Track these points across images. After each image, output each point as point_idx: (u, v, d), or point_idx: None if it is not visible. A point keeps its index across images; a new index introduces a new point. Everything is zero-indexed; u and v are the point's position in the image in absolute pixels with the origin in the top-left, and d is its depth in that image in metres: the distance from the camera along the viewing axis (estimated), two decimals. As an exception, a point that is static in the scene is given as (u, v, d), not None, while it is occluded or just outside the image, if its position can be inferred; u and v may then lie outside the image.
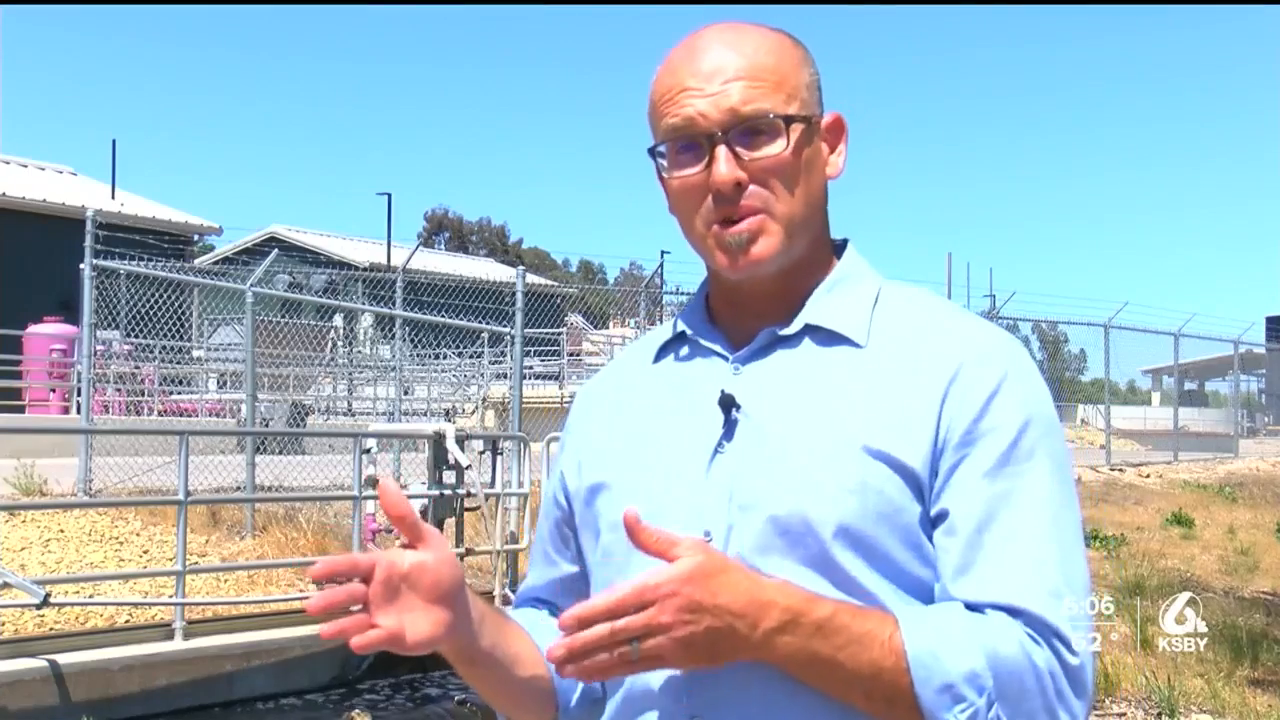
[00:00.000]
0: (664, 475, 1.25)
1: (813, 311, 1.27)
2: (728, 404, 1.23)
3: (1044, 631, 1.12)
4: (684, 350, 1.33)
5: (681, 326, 1.33)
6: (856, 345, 1.25)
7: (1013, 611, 1.13)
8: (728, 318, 1.31)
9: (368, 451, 8.78)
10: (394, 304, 16.45)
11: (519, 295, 11.34)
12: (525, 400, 11.83)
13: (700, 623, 1.08)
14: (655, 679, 1.20)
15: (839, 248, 1.34)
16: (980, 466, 1.17)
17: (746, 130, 1.22)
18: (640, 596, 1.07)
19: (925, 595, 1.18)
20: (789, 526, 1.17)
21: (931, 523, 1.18)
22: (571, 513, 1.37)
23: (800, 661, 1.11)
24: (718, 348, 1.29)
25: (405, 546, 1.17)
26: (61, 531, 9.42)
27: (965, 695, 1.09)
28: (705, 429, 1.24)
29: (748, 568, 1.13)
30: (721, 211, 1.23)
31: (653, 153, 1.27)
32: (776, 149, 1.22)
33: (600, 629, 1.07)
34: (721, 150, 1.21)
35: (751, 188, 1.22)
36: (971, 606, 1.14)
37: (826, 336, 1.26)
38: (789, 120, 1.23)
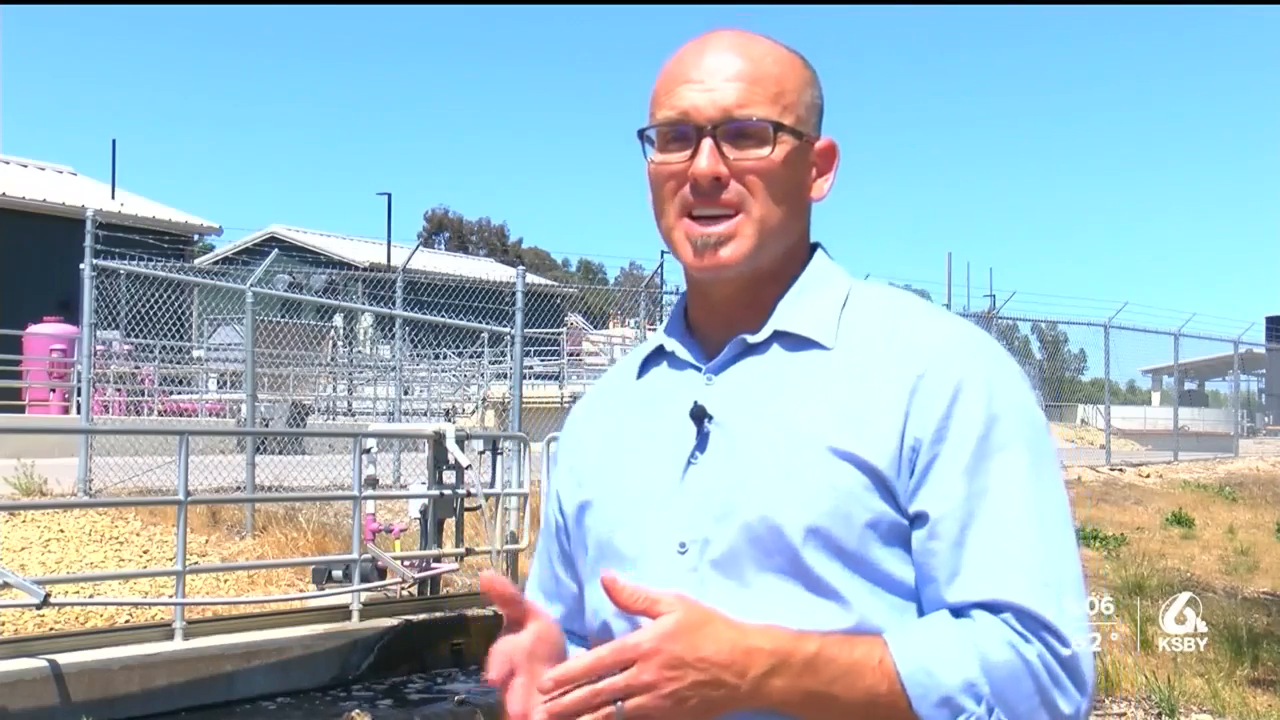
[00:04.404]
0: (640, 489, 1.26)
1: (780, 318, 1.27)
2: (699, 415, 1.24)
3: (1032, 625, 1.12)
4: (663, 364, 1.34)
5: (661, 340, 1.35)
6: (824, 348, 1.25)
7: (999, 607, 1.12)
8: (704, 328, 1.32)
9: (368, 451, 8.77)
10: (394, 304, 16.44)
11: (519, 295, 11.34)
12: (525, 400, 11.83)
13: (685, 678, 1.07)
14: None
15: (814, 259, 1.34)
16: (955, 465, 1.16)
17: (736, 130, 1.23)
18: (620, 656, 1.07)
19: (904, 593, 1.18)
20: (760, 533, 1.17)
21: (910, 523, 1.18)
22: (569, 531, 1.38)
23: (795, 702, 1.10)
24: (691, 358, 1.30)
25: (512, 625, 1.18)
26: (61, 531, 9.42)
27: (964, 705, 1.09)
28: (679, 441, 1.25)
29: (730, 618, 1.11)
30: (697, 204, 1.24)
31: (642, 136, 1.28)
32: (762, 153, 1.23)
33: (581, 692, 1.06)
34: (707, 143, 1.23)
35: (731, 184, 1.23)
36: (962, 608, 1.14)
37: (794, 341, 1.26)
38: (779, 128, 1.24)
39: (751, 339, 1.27)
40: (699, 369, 1.29)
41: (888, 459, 1.17)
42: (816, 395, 1.21)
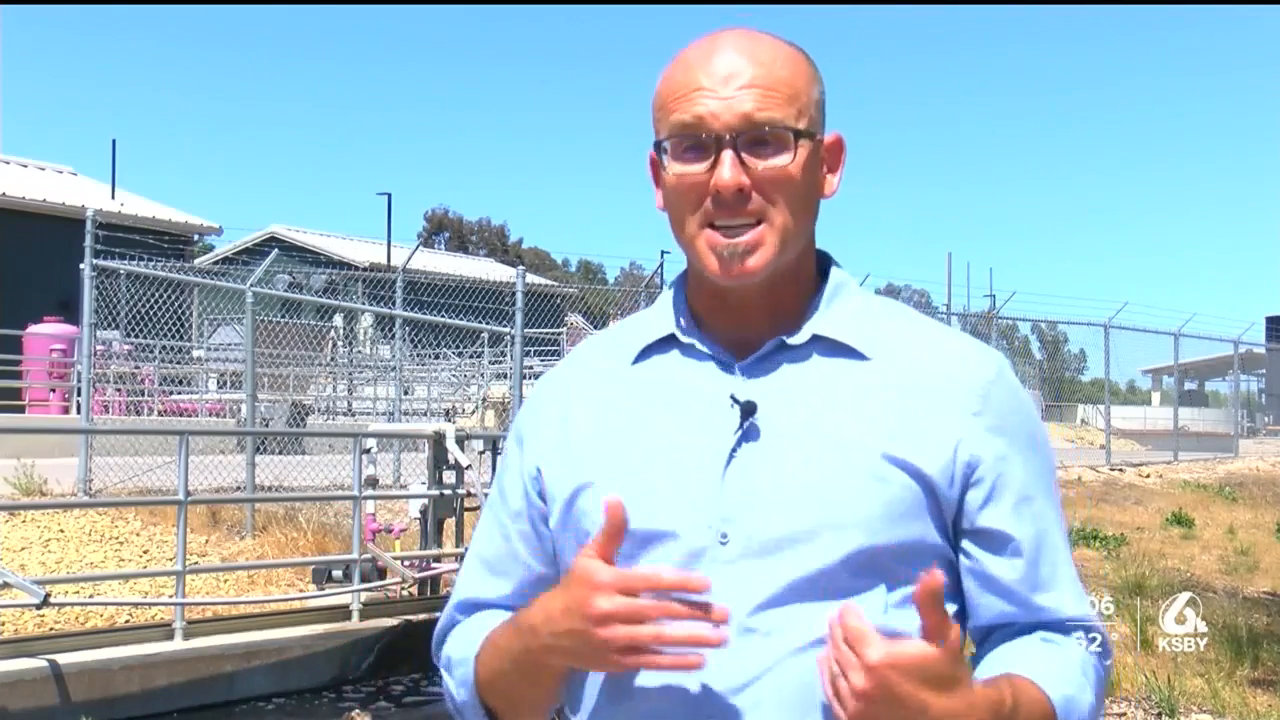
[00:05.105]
0: (671, 478, 1.24)
1: (818, 323, 1.28)
2: (748, 410, 1.23)
3: (1104, 644, 1.27)
4: (673, 352, 1.32)
5: (670, 329, 1.32)
6: (863, 357, 1.27)
7: (1073, 624, 1.26)
8: (716, 322, 1.31)
9: (368, 451, 8.77)
10: (394, 304, 16.42)
11: (519, 295, 11.34)
12: (525, 400, 11.81)
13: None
14: (670, 687, 1.19)
15: (821, 261, 1.35)
16: (1017, 489, 1.25)
17: (755, 138, 1.22)
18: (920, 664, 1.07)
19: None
20: (810, 530, 1.18)
21: (968, 535, 1.25)
22: (548, 512, 1.33)
23: None
24: (714, 352, 1.29)
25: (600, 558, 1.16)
26: (61, 531, 9.42)
27: None
28: (716, 433, 1.24)
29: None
30: (719, 215, 1.23)
31: (657, 146, 1.27)
32: (783, 161, 1.23)
33: (899, 680, 1.06)
34: (728, 154, 1.21)
35: (753, 195, 1.22)
36: (1041, 621, 1.25)
37: (832, 347, 1.27)
38: (798, 135, 1.23)
39: (790, 340, 1.27)
40: (724, 363, 1.28)
41: (939, 469, 1.22)
42: (863, 402, 1.24)
